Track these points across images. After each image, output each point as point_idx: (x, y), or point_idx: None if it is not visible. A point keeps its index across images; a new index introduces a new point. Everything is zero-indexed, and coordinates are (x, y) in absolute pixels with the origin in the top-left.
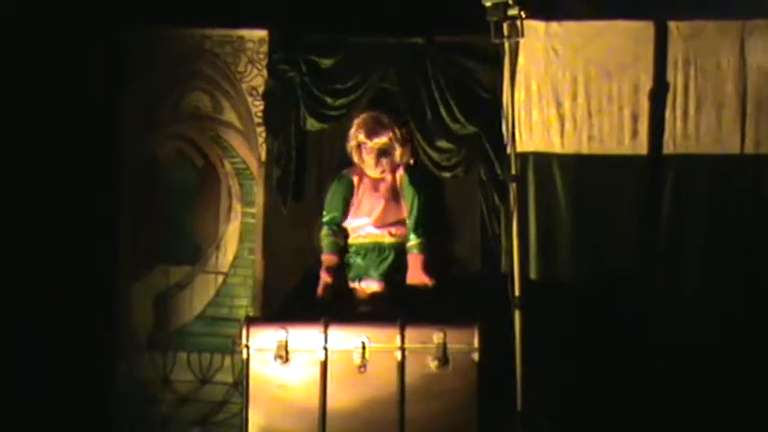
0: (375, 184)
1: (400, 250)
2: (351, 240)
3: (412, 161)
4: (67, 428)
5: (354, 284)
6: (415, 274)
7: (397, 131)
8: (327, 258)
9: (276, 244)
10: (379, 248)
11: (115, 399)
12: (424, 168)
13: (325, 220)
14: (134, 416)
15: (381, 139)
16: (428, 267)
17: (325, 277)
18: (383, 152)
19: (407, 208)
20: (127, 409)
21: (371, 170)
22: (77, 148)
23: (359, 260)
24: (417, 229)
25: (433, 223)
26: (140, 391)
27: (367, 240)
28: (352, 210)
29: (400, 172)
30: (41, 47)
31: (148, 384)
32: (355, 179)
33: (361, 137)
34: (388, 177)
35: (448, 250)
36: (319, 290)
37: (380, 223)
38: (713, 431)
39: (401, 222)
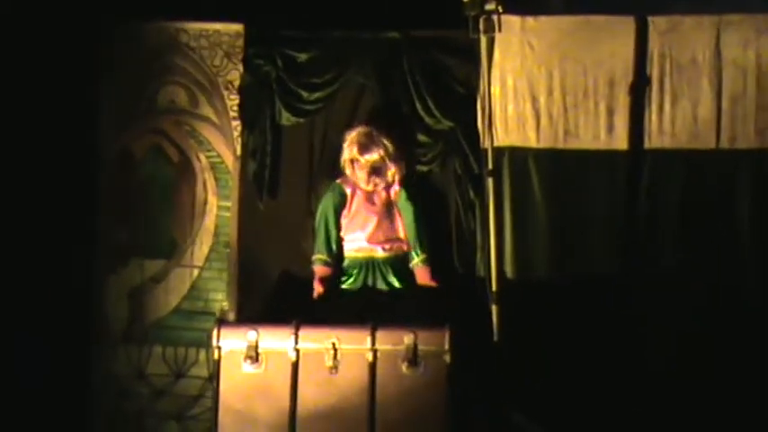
0: (369, 197)
1: (393, 263)
2: (345, 253)
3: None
4: (42, 422)
5: None
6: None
7: (389, 148)
8: (320, 269)
9: (251, 238)
10: (372, 264)
11: (91, 392)
12: (419, 181)
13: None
14: (109, 409)
15: (373, 156)
16: (434, 277)
17: (318, 288)
18: (375, 169)
19: (406, 224)
20: (102, 402)
21: (363, 185)
22: (53, 142)
23: (351, 279)
24: (419, 245)
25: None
26: (116, 385)
27: (360, 255)
28: (345, 222)
29: (396, 188)
30: (14, 42)
31: (124, 378)
32: (348, 190)
33: (354, 152)
34: (383, 193)
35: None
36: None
37: (374, 239)
38: (695, 424)
39: (395, 238)
